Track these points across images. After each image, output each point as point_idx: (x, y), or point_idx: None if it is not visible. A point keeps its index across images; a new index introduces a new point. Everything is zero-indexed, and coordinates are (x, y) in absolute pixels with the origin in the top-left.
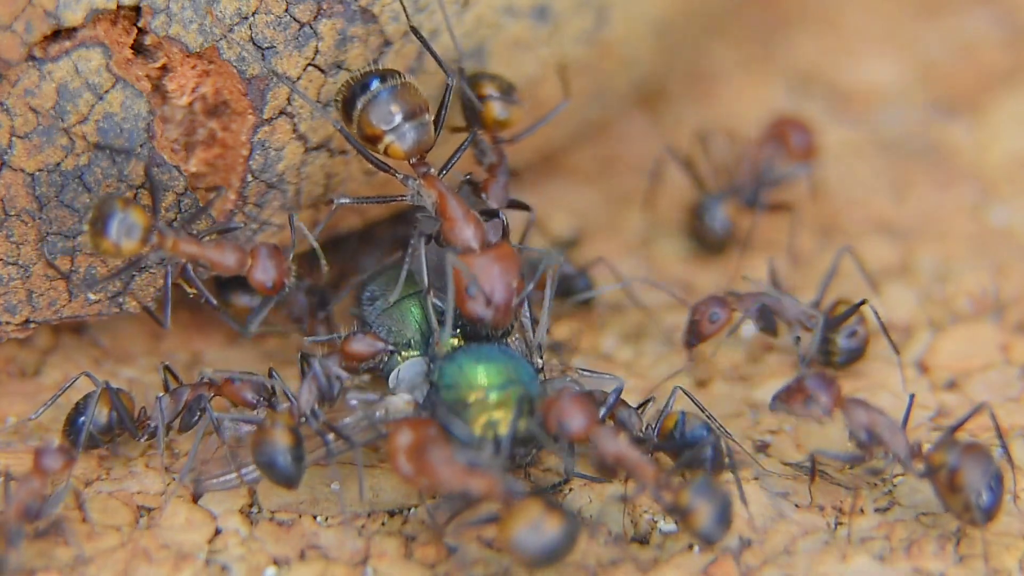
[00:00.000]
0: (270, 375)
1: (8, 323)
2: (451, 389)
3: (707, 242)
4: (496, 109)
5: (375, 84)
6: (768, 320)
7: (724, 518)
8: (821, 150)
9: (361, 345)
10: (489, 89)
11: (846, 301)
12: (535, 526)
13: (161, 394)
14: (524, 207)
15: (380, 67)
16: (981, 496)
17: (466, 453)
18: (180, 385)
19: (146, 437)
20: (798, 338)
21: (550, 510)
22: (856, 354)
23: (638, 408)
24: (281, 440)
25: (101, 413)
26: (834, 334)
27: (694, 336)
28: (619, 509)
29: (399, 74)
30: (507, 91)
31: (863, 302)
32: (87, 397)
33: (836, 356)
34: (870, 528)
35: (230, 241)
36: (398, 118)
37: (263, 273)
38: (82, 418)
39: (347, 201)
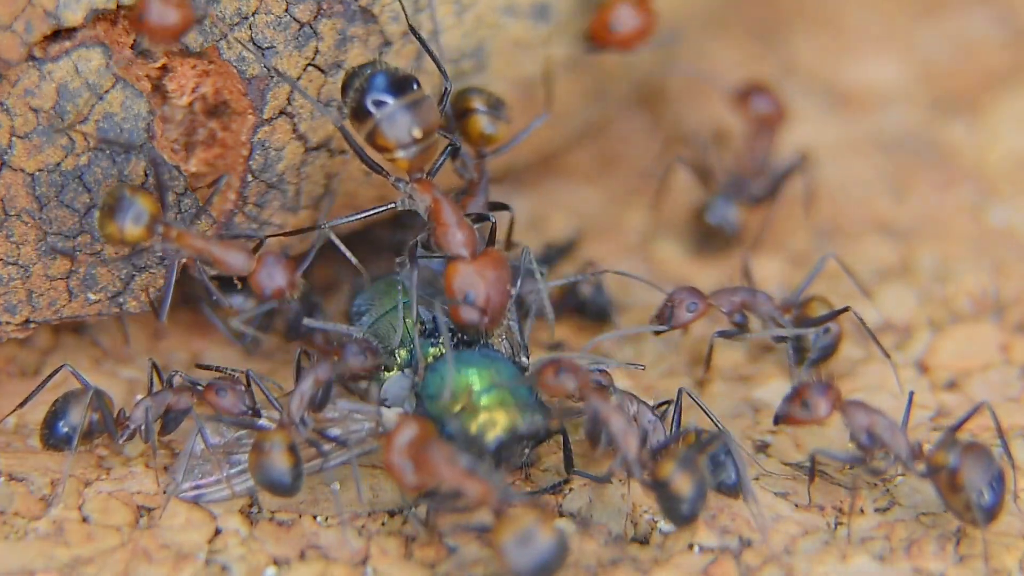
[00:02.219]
0: (248, 381)
1: (8, 323)
2: (436, 399)
3: (714, 240)
4: (483, 124)
5: (396, 98)
6: (741, 317)
7: (702, 495)
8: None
9: (356, 358)
10: (477, 103)
11: (822, 299)
12: (525, 539)
13: (140, 397)
14: (503, 207)
15: (400, 72)
16: (983, 496)
17: (467, 457)
18: (162, 389)
19: (125, 438)
20: (783, 338)
21: (542, 524)
22: (829, 351)
23: (658, 405)
24: (279, 463)
25: (82, 414)
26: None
27: (667, 321)
28: (618, 506)
29: (417, 83)
30: (495, 106)
31: (846, 309)
32: (66, 397)
33: (810, 353)
34: (870, 528)
35: (237, 241)
36: (415, 138)
37: (267, 279)
38: (61, 421)
39: (336, 223)
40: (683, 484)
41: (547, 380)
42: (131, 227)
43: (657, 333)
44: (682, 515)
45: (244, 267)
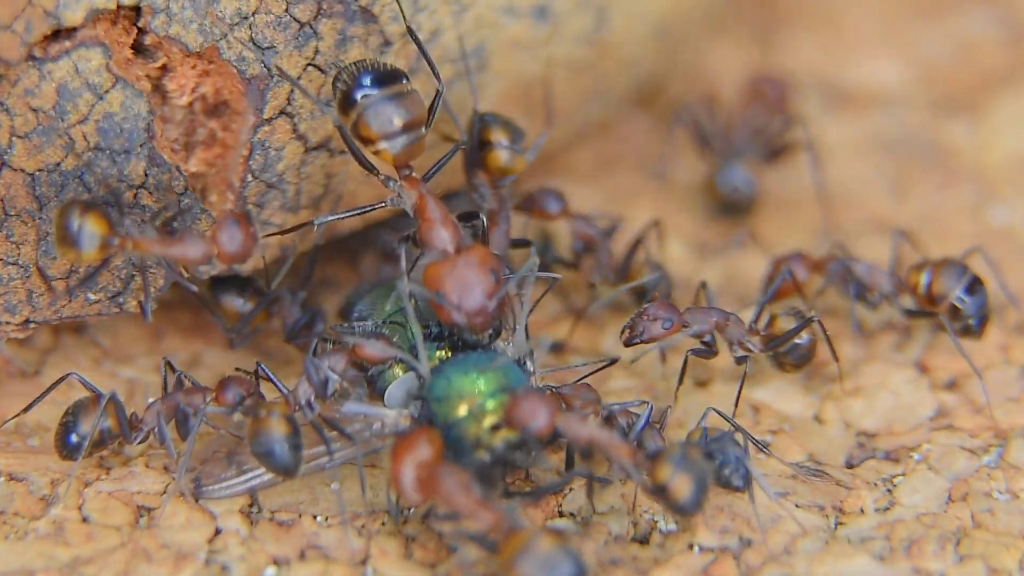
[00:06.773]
0: (256, 373)
1: (8, 323)
2: (442, 402)
3: (733, 205)
4: (503, 158)
5: (380, 89)
6: (711, 337)
7: (703, 489)
8: (793, 104)
9: (372, 350)
10: (499, 137)
11: (786, 310)
12: (547, 564)
13: (152, 400)
14: (526, 243)
15: (387, 67)
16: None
17: (477, 485)
18: (174, 391)
19: (139, 440)
20: (744, 358)
21: (562, 547)
22: (806, 356)
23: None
24: (277, 429)
25: (94, 421)
26: (781, 347)
27: (638, 336)
28: (618, 506)
29: (406, 78)
30: (515, 140)
31: (812, 319)
32: (77, 406)
33: (788, 367)
34: (870, 528)
35: (189, 231)
36: (397, 127)
37: (228, 241)
38: (72, 435)
39: (328, 219)
40: (682, 485)
41: (515, 418)
42: (87, 250)
43: (628, 344)
44: (685, 511)
45: (205, 252)
